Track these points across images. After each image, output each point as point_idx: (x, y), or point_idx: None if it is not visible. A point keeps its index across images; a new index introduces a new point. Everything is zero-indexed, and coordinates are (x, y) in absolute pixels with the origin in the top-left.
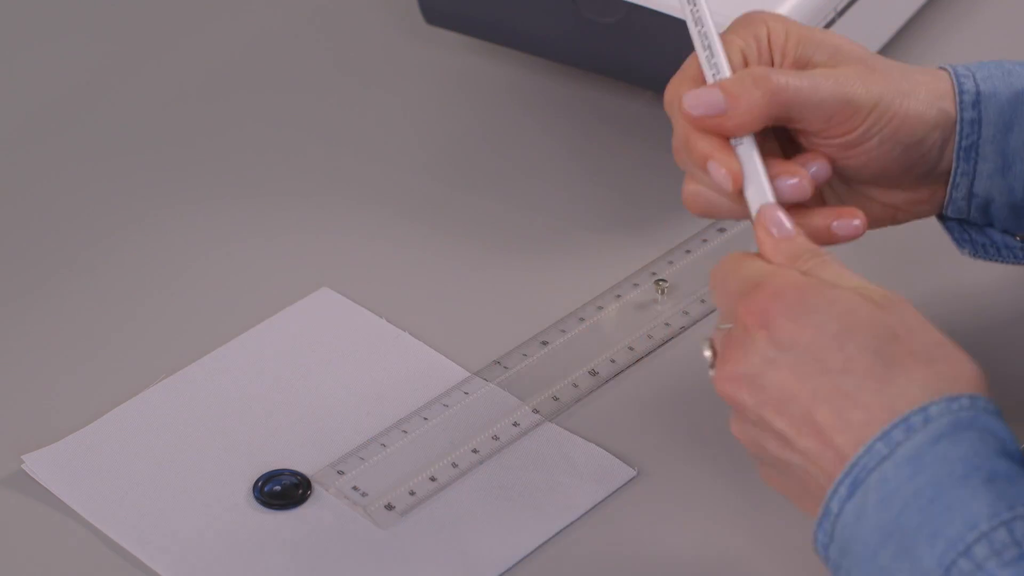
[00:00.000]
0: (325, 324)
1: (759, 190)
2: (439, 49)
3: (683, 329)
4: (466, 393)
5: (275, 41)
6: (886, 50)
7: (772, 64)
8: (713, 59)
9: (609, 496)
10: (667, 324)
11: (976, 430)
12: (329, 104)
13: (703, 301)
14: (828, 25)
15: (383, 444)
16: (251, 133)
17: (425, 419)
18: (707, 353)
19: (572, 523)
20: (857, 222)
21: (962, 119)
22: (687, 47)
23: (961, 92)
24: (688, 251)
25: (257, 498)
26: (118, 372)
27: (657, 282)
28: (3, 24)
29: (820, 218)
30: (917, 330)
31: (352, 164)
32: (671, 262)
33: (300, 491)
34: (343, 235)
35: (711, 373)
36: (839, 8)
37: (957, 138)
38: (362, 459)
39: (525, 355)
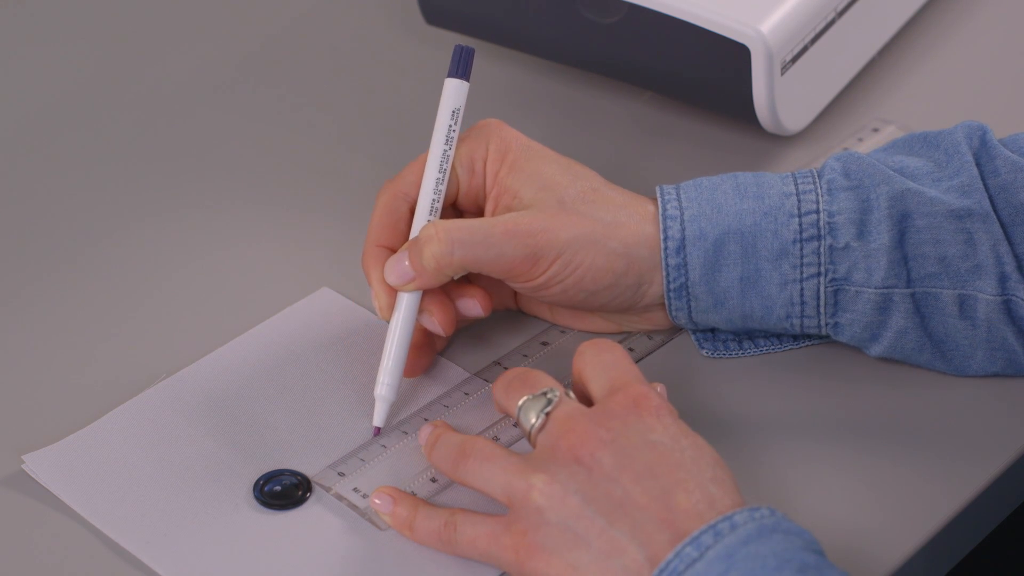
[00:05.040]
0: (325, 324)
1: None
2: (439, 49)
3: (681, 330)
4: (466, 394)
5: (275, 41)
6: (886, 50)
7: (483, 187)
8: (440, 187)
9: None
10: None
11: (781, 532)
12: (329, 104)
13: None
14: (828, 26)
15: (383, 445)
16: (251, 133)
17: (425, 420)
18: (555, 393)
19: None
20: (479, 310)
21: (667, 264)
22: (687, 47)
23: (666, 239)
24: None
25: (257, 498)
26: (118, 372)
27: None
28: (4, 26)
29: (456, 293)
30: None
31: (352, 164)
32: None
33: (300, 491)
34: (343, 235)
35: (543, 412)
36: (839, 8)
37: (664, 280)
38: (362, 460)
39: (525, 355)
